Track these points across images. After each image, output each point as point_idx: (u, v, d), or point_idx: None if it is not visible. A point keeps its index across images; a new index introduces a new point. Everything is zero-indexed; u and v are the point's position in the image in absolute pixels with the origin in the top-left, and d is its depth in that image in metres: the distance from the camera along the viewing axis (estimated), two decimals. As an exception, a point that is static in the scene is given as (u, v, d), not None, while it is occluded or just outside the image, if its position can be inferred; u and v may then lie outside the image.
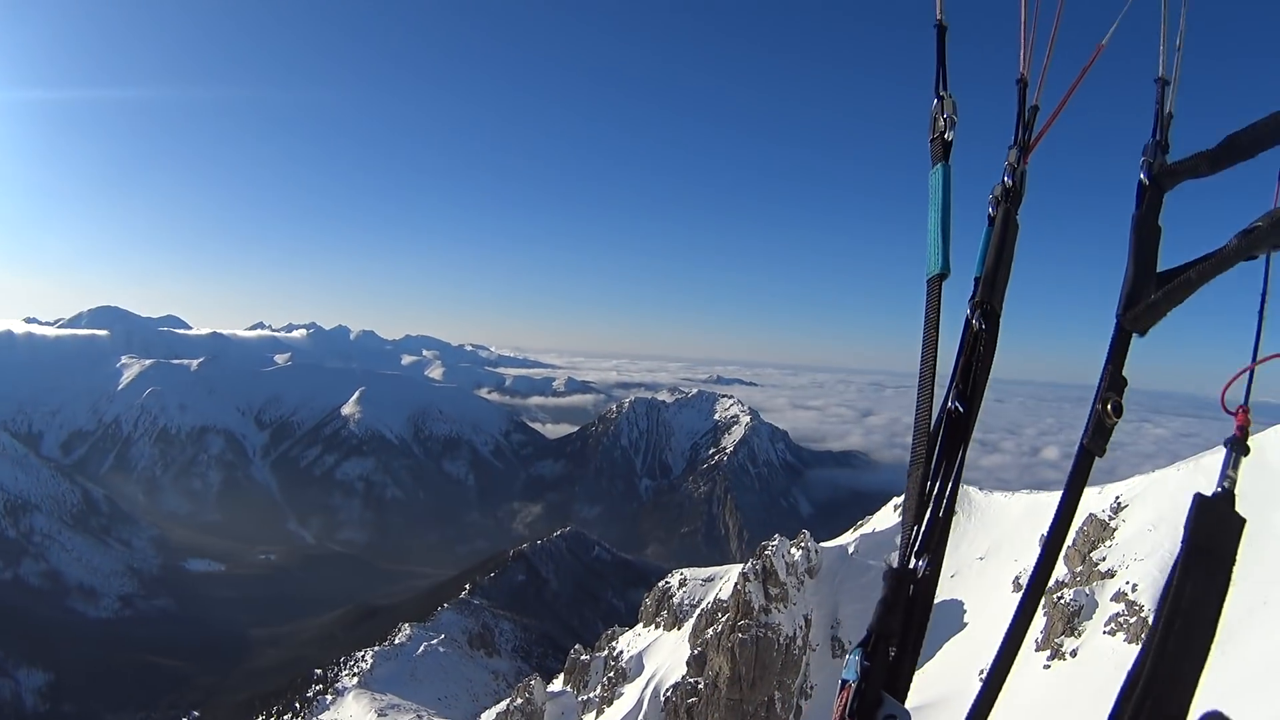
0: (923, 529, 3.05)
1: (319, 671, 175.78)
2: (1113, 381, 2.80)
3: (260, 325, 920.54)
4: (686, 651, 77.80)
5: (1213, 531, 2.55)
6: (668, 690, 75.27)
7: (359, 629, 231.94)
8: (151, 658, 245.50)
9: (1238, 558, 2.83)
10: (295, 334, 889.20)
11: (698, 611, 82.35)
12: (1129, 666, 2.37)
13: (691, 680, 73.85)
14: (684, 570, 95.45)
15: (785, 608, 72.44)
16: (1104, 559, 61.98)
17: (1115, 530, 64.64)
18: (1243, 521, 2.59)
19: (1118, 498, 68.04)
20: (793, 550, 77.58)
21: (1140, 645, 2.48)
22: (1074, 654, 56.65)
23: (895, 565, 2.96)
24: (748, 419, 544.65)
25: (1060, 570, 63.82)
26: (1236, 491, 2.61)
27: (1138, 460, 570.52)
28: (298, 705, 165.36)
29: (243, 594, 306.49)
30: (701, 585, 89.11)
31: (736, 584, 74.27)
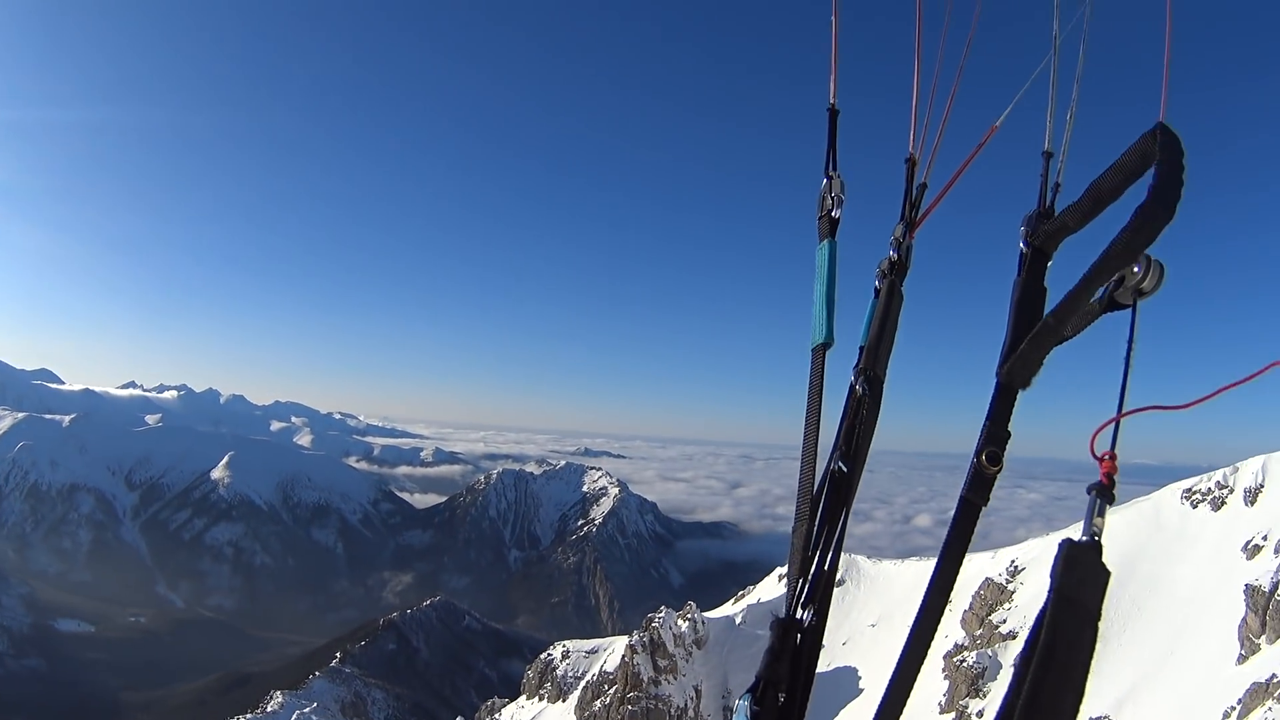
0: (808, 582, 3.16)
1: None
2: (990, 436, 2.81)
3: (132, 384, 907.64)
4: (573, 723, 79.10)
5: (1081, 580, 2.44)
6: (556, 764, 76.43)
7: (230, 695, 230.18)
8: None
9: (1103, 612, 2.32)
10: (166, 395, 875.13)
11: (583, 684, 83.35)
12: None
13: (582, 755, 74.96)
14: (566, 642, 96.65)
15: (675, 679, 73.81)
16: (1004, 621, 64.88)
17: (1014, 593, 67.55)
18: (1109, 574, 2.50)
19: (1013, 561, 71.09)
20: (679, 621, 79.14)
21: (1001, 702, 2.37)
22: (980, 715, 59.26)
23: (782, 616, 3.01)
24: (616, 490, 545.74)
25: (959, 634, 66.50)
26: (1103, 541, 2.54)
27: (1011, 524, 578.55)
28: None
29: (113, 656, 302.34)
30: (585, 657, 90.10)
31: (624, 655, 75.50)
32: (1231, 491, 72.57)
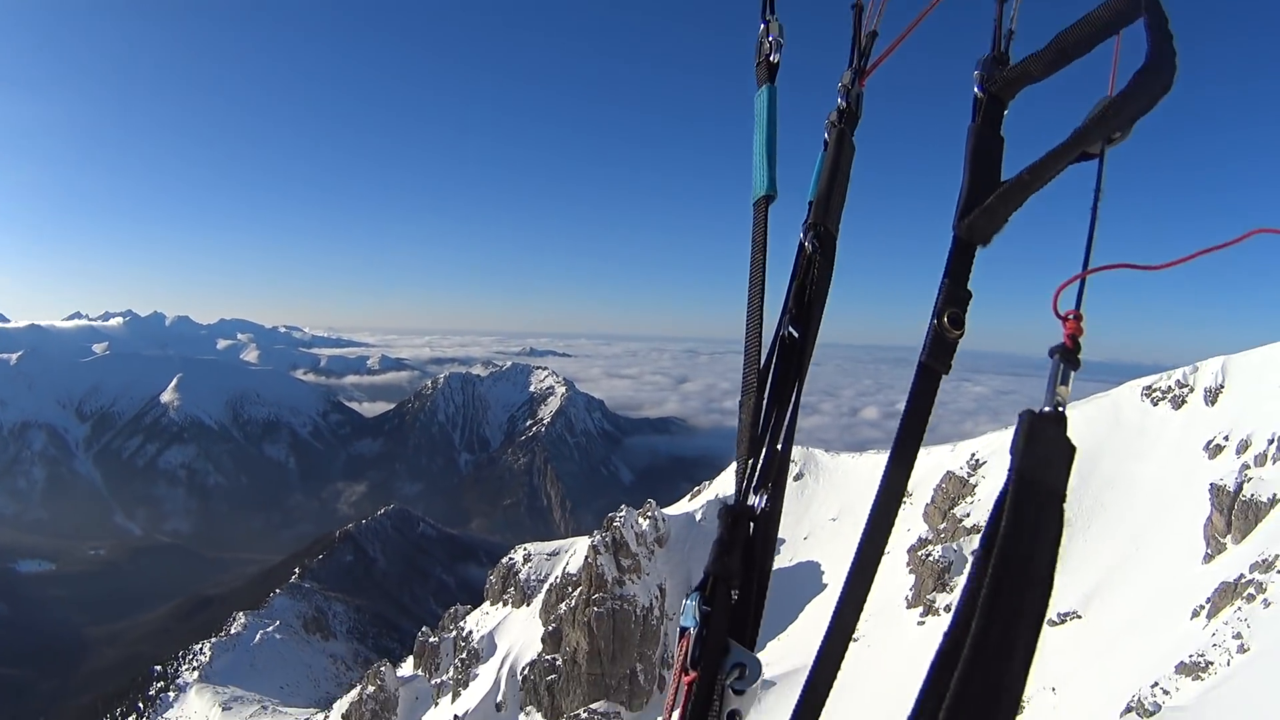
0: (759, 463, 2.78)
1: (159, 668, 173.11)
2: (950, 295, 2.54)
3: (77, 315, 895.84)
4: (539, 628, 77.07)
5: (1044, 458, 2.15)
6: (524, 668, 74.49)
7: (194, 620, 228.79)
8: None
9: (1067, 493, 2.04)
10: (112, 322, 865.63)
11: (546, 587, 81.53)
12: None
13: (549, 657, 73.15)
14: (526, 545, 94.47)
15: (639, 578, 71.99)
16: (968, 515, 62.78)
17: (975, 486, 65.58)
18: (1074, 450, 2.15)
19: (974, 454, 69.08)
20: (640, 520, 76.97)
21: (958, 600, 2.02)
22: (948, 609, 57.12)
23: (731, 503, 2.69)
24: (563, 390, 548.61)
25: (921, 528, 64.53)
26: (1067, 411, 2.19)
27: (959, 417, 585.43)
28: (141, 705, 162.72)
29: (75, 592, 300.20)
30: (547, 559, 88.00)
31: (587, 557, 73.51)
32: (1191, 391, 72.35)
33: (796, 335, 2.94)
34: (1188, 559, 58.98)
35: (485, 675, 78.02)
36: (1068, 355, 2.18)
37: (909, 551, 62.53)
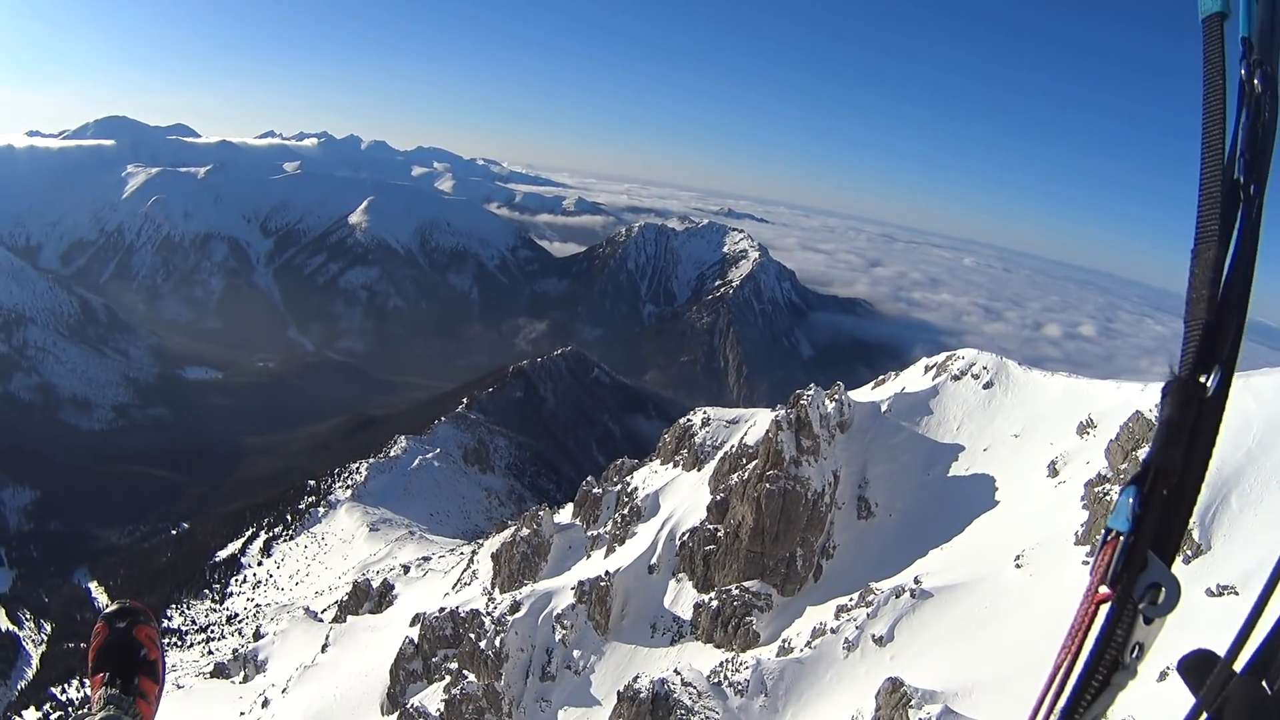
0: (1216, 332, 2.31)
1: (311, 483, 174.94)
2: None
3: (270, 134, 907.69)
4: (706, 495, 73.49)
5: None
6: (684, 534, 71.18)
7: (354, 439, 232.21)
8: (143, 469, 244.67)
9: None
10: (306, 143, 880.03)
11: (720, 454, 77.79)
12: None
13: (711, 527, 69.71)
14: (706, 409, 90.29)
15: (816, 461, 67.91)
16: (1150, 459, 57.31)
17: (1163, 428, 59.69)
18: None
19: (1165, 396, 63.14)
20: (827, 401, 72.68)
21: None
22: None
23: (1182, 375, 2.31)
24: (756, 255, 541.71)
25: (1102, 463, 59.37)
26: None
27: (1137, 353, 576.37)
28: (289, 517, 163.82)
29: (239, 402, 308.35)
30: (726, 427, 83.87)
31: (768, 431, 69.17)
32: None
33: (1250, 186, 2.45)
34: None
35: (644, 535, 74.86)
36: None
37: (1086, 485, 57.49)
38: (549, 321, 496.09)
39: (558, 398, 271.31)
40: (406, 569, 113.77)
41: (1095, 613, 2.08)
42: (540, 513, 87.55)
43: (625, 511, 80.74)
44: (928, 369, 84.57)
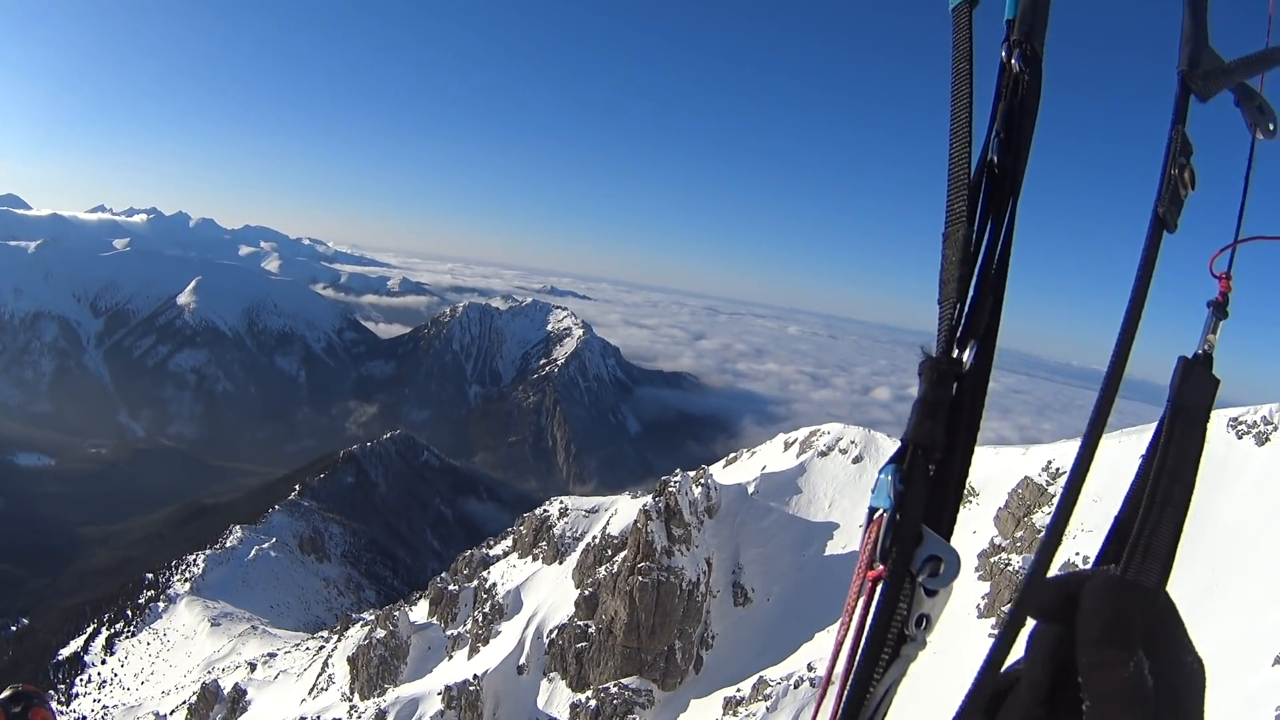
0: (968, 309, 2.38)
1: (150, 576, 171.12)
2: (1184, 145, 2.32)
3: (101, 208, 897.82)
4: (572, 590, 73.53)
5: (1193, 390, 2.32)
6: (552, 631, 70.93)
7: (189, 528, 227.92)
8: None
9: (1211, 415, 2.37)
10: (136, 219, 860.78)
11: (582, 545, 78.03)
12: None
13: (581, 623, 69.42)
14: (563, 499, 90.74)
15: (688, 550, 68.36)
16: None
17: (1054, 496, 62.09)
18: (1218, 382, 2.39)
19: (1050, 462, 65.45)
20: (694, 487, 73.32)
21: (1120, 505, 2.23)
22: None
23: (935, 354, 2.35)
24: (580, 332, 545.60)
25: (991, 531, 61.46)
26: (1214, 354, 2.40)
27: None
28: (130, 613, 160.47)
29: (72, 490, 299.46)
30: (585, 516, 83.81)
31: (636, 521, 69.58)
32: (1276, 429, 68.37)
33: (1005, 162, 2.49)
34: (1269, 602, 56.13)
35: (509, 633, 74.43)
36: (1219, 309, 2.36)
37: (980, 556, 59.33)
38: (376, 404, 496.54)
39: (389, 482, 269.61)
40: (253, 667, 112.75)
41: (872, 590, 2.10)
42: (395, 612, 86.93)
43: (486, 609, 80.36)
44: (788, 445, 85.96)
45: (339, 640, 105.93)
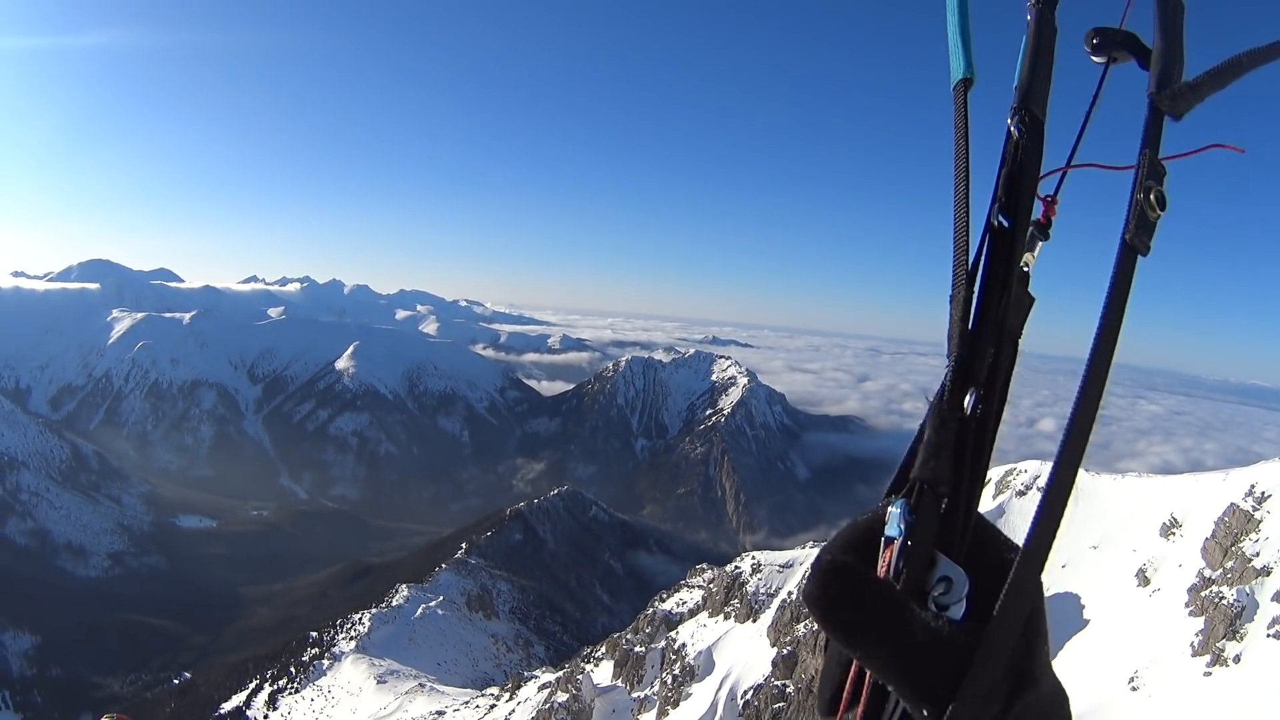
0: (970, 359, 2.53)
1: (314, 634, 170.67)
2: (1152, 169, 2.33)
3: (253, 279, 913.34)
4: (767, 649, 69.67)
5: (1012, 308, 2.69)
6: (748, 692, 67.05)
7: (352, 588, 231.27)
8: (142, 618, 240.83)
9: (1023, 333, 2.31)
10: (289, 288, 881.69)
11: (777, 602, 74.09)
12: None
13: (778, 683, 65.38)
14: (756, 554, 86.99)
15: (890, 604, 64.28)
16: (1257, 554, 54.72)
17: (1261, 522, 57.32)
18: (1033, 300, 2.58)
19: (1253, 486, 60.62)
20: (891, 535, 69.02)
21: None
22: (1237, 659, 49.68)
23: (940, 398, 2.54)
24: (745, 380, 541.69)
25: (1198, 564, 56.83)
26: (1031, 273, 2.54)
27: (1133, 435, 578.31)
28: (293, 670, 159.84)
29: (234, 551, 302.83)
30: (779, 572, 79.95)
31: (839, 575, 65.66)
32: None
33: (1007, 225, 2.57)
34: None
35: (700, 696, 70.58)
36: (1041, 230, 2.47)
37: (1190, 591, 54.74)
38: (541, 461, 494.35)
39: (557, 538, 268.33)
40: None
41: None
42: (578, 675, 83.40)
43: (676, 670, 76.79)
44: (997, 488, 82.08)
45: (510, 698, 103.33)
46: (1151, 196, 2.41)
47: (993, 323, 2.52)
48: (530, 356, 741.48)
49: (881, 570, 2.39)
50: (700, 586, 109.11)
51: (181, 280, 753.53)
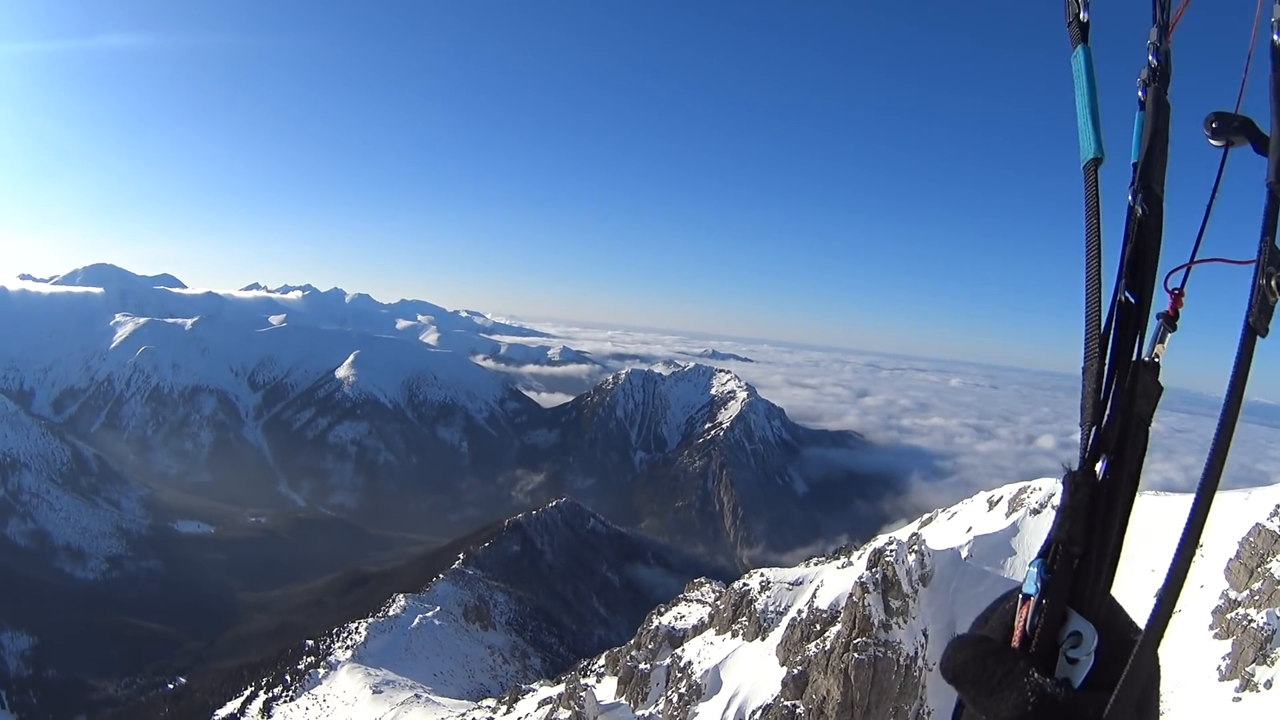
0: (1101, 429, 2.95)
1: (310, 642, 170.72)
2: (1273, 256, 2.64)
3: (256, 286, 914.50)
4: (776, 668, 69.13)
5: (1141, 394, 2.87)
6: (756, 712, 66.49)
7: (349, 596, 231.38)
8: (138, 621, 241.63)
9: (1153, 420, 2.72)
10: (291, 295, 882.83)
11: (786, 620, 73.58)
12: None
13: (788, 703, 64.59)
14: (764, 571, 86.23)
15: (905, 623, 63.62)
16: (1285, 576, 54.32)
17: (1291, 542, 56.91)
18: (1162, 389, 2.85)
19: (1278, 505, 60.20)
20: (908, 555, 68.42)
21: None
22: (1269, 684, 49.30)
23: (1074, 469, 2.91)
24: (744, 395, 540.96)
25: (1222, 585, 56.47)
26: (1160, 363, 2.85)
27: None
28: (289, 678, 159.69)
29: (232, 557, 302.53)
30: (788, 590, 79.12)
31: (852, 594, 64.83)
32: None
33: (1134, 300, 3.05)
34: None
35: (707, 715, 69.55)
36: (1169, 322, 2.69)
37: (1215, 614, 54.35)
38: (540, 473, 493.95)
39: (555, 550, 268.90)
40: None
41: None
42: (581, 693, 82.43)
43: (682, 689, 76.18)
44: (992, 504, 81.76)
45: (508, 711, 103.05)
46: (1273, 283, 2.66)
47: (1123, 396, 2.89)
48: (530, 368, 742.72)
49: (1018, 624, 2.68)
50: (699, 601, 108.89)
51: (184, 286, 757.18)
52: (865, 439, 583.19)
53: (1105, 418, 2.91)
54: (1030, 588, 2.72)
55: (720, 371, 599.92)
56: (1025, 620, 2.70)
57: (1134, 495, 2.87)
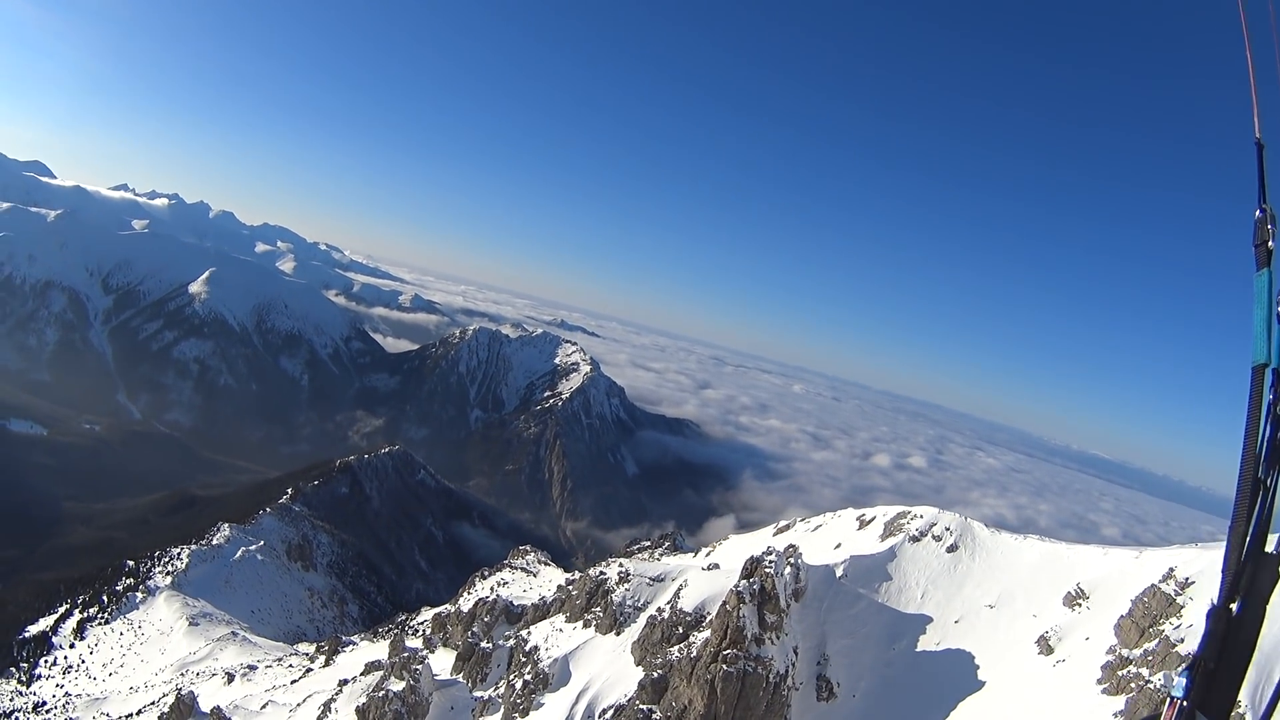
0: (1240, 575, 3.77)
1: (131, 563, 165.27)
2: None
3: (124, 187, 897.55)
4: (632, 667, 65.38)
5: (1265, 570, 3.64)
6: (607, 710, 62.32)
7: (174, 517, 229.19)
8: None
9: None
10: (157, 202, 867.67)
11: (645, 617, 69.72)
12: None
13: (644, 707, 60.54)
14: (624, 562, 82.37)
15: (779, 639, 60.03)
16: (1182, 640, 51.85)
17: (1183, 608, 54.46)
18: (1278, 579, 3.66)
19: (1172, 569, 57.64)
20: (785, 567, 64.72)
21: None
22: None
23: (1216, 603, 3.79)
24: (588, 368, 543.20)
25: (1109, 639, 53.88)
26: None
27: (966, 485, 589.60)
28: (106, 599, 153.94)
29: (61, 463, 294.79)
30: (649, 585, 75.03)
31: (726, 603, 60.85)
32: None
33: (1271, 480, 3.83)
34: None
35: (553, 707, 65.48)
36: None
37: (1104, 669, 51.68)
38: (375, 417, 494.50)
39: (383, 497, 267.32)
40: (231, 678, 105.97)
41: None
42: (416, 665, 77.60)
43: (527, 675, 71.80)
44: (863, 523, 79.12)
45: (326, 664, 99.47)
46: None
47: (1255, 551, 3.66)
48: (380, 310, 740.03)
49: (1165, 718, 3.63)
50: (525, 569, 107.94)
51: (54, 176, 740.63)
52: (702, 430, 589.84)
53: (1242, 570, 3.68)
54: (1177, 690, 3.60)
55: (567, 342, 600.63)
56: (1169, 716, 3.59)
57: (1259, 631, 3.59)
